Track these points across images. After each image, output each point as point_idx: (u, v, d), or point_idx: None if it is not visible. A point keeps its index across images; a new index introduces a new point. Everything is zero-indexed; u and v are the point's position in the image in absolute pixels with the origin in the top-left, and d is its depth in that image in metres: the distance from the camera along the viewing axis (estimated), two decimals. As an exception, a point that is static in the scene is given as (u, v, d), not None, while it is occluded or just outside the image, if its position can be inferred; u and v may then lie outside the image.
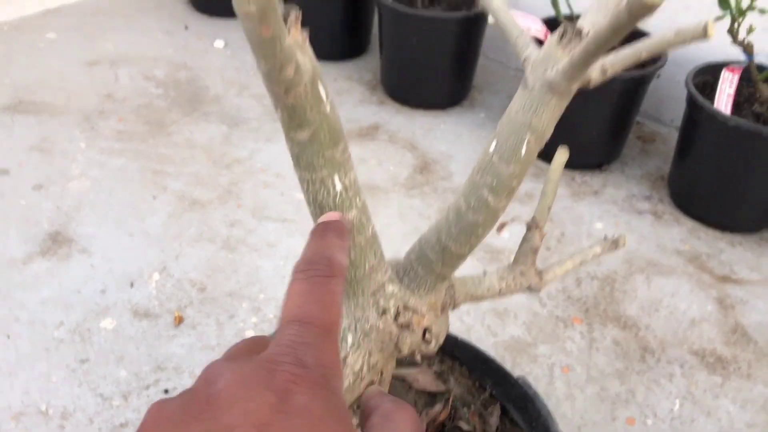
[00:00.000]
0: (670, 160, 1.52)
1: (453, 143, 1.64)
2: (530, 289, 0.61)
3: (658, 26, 1.61)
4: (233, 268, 1.27)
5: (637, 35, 1.53)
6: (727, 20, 1.25)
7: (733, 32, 1.23)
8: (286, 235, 1.34)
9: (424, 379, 0.80)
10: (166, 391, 1.04)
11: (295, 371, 0.24)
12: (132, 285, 1.23)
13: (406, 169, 1.55)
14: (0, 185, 1.41)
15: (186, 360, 1.09)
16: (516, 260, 0.62)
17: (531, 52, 0.52)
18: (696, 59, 1.58)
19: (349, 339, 0.55)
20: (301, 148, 0.52)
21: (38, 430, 0.97)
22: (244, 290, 1.22)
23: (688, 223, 1.45)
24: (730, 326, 1.22)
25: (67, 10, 2.06)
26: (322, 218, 0.37)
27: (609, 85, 1.41)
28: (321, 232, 0.34)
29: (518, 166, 0.51)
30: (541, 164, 1.57)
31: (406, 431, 0.28)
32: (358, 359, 0.54)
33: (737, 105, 1.39)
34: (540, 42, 1.51)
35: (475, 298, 0.60)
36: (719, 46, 1.44)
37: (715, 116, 1.30)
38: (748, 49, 1.25)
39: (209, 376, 0.25)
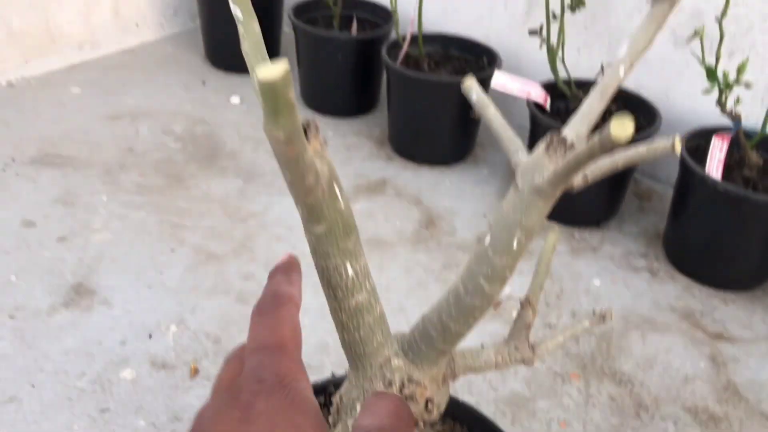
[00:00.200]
0: (666, 218, 1.59)
1: (457, 199, 1.71)
2: (524, 362, 0.67)
3: (654, 92, 1.70)
4: (246, 321, 1.32)
5: (635, 100, 1.62)
6: (716, 92, 1.33)
7: (721, 103, 1.31)
8: (297, 288, 1.41)
9: (426, 437, 0.85)
10: (182, 442, 1.10)
11: (254, 387, 0.31)
12: (150, 336, 1.29)
13: (411, 223, 1.62)
14: (26, 237, 1.49)
15: (201, 411, 1.15)
16: (511, 335, 0.68)
17: (521, 157, 0.59)
18: (689, 122, 1.65)
19: (358, 407, 0.61)
20: (318, 240, 0.59)
21: (62, 479, 1.03)
22: (256, 343, 1.28)
23: (683, 281, 1.50)
24: (722, 383, 1.28)
25: (90, 65, 2.16)
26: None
27: (606, 147, 1.48)
28: (270, 275, 0.42)
29: (510, 259, 0.58)
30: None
31: (383, 415, 0.35)
32: (366, 428, 0.60)
33: (728, 168, 1.46)
34: (540, 107, 1.60)
35: (473, 370, 0.66)
36: (712, 111, 1.52)
37: (706, 180, 1.37)
38: (736, 118, 1.33)
39: (196, 422, 0.32)
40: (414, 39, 1.79)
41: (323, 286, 0.62)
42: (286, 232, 1.55)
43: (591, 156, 0.48)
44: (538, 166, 0.57)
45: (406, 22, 1.89)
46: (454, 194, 1.73)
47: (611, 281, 1.49)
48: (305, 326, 1.33)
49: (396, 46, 1.81)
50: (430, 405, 0.62)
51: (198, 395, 1.18)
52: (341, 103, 1.99)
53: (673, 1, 0.61)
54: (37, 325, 1.30)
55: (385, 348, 0.63)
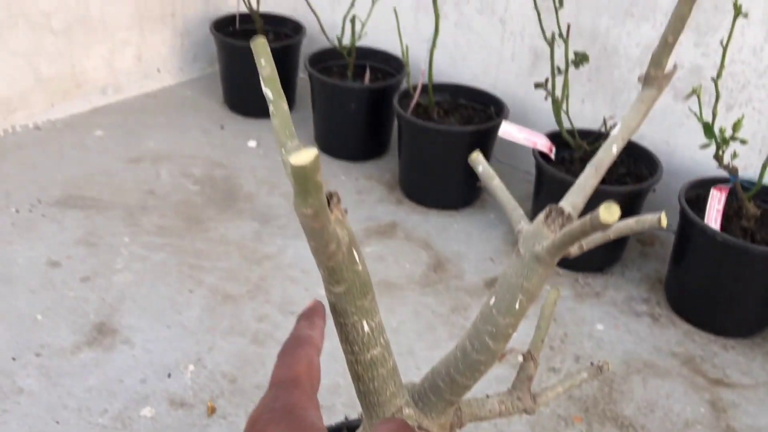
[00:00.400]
0: (667, 264, 1.64)
1: (465, 243, 1.77)
2: (526, 411, 0.72)
3: (655, 143, 1.77)
4: (261, 362, 1.38)
5: (638, 150, 1.68)
6: (714, 146, 1.39)
7: (718, 158, 1.37)
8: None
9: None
10: (199, 479, 1.14)
11: (266, 417, 0.36)
12: (169, 375, 1.34)
13: (420, 267, 1.68)
14: (51, 277, 1.55)
15: (218, 449, 1.20)
16: (514, 386, 0.73)
17: (523, 226, 0.65)
18: (690, 171, 1.71)
19: (372, 453, 0.66)
20: (337, 298, 0.65)
21: None
22: (271, 383, 1.33)
23: (684, 326, 1.55)
24: (722, 429, 1.31)
25: (113, 108, 2.25)
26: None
27: (608, 196, 1.54)
28: (297, 320, 0.49)
29: (513, 319, 0.63)
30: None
31: None
32: (380, 473, 0.66)
33: (727, 218, 1.51)
34: (545, 156, 1.67)
35: (479, 419, 0.72)
36: (711, 161, 1.57)
37: (705, 231, 1.43)
38: (732, 172, 1.39)
39: None
40: (424, 88, 1.86)
41: (341, 341, 0.68)
42: (300, 275, 1.61)
43: (583, 233, 0.54)
44: (538, 235, 0.63)
45: (417, 71, 1.97)
46: (462, 238, 1.79)
47: (614, 326, 1.54)
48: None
49: (407, 95, 1.89)
50: (438, 451, 0.67)
51: (215, 434, 1.23)
52: (354, 148, 2.06)
53: (662, 87, 0.67)
54: (61, 363, 1.35)
55: (397, 398, 0.68)
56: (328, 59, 2.10)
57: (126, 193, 1.85)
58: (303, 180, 0.53)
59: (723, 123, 1.54)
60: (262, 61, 0.64)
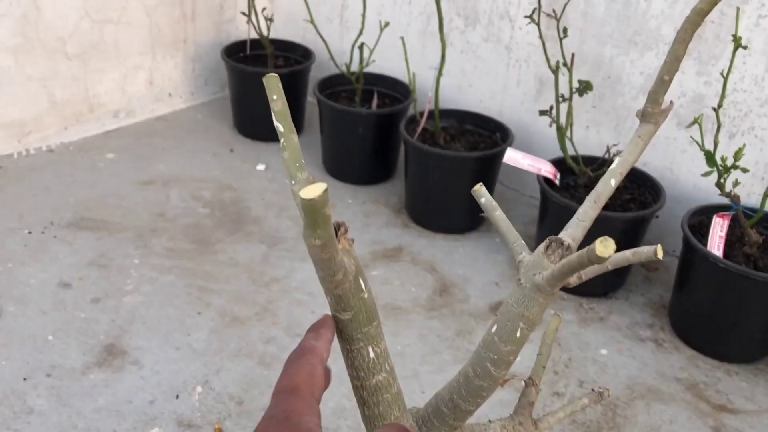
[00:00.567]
0: (671, 289, 1.65)
1: (470, 267, 1.79)
2: (526, 437, 0.73)
3: (658, 165, 1.79)
4: (268, 384, 1.40)
5: (641, 176, 1.70)
6: (716, 174, 1.41)
7: (720, 186, 1.39)
8: (317, 353, 1.48)
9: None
10: (206, 501, 1.16)
11: (265, 423, 0.39)
12: (177, 397, 1.36)
13: (426, 290, 1.70)
14: (63, 298, 1.58)
15: (225, 471, 1.21)
16: (516, 411, 0.75)
17: (524, 256, 0.68)
18: (693, 197, 1.73)
19: (377, 476, 0.68)
20: (344, 325, 0.67)
21: None
22: (277, 405, 1.35)
23: (688, 352, 1.56)
24: (724, 455, 1.32)
25: (124, 131, 2.29)
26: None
27: (612, 222, 1.57)
28: (306, 333, 0.51)
29: (514, 346, 0.65)
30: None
31: None
32: (384, 496, 0.67)
33: (730, 244, 1.53)
34: (549, 182, 1.69)
35: (481, 444, 0.73)
36: (714, 189, 1.59)
37: (708, 257, 1.44)
38: (734, 199, 1.41)
39: None
40: (431, 114, 1.89)
41: (347, 366, 0.70)
42: (307, 298, 1.63)
43: (581, 265, 0.56)
44: (538, 266, 0.65)
45: (424, 97, 2.00)
46: (468, 262, 1.81)
47: (618, 351, 1.55)
48: (326, 390, 1.40)
49: (414, 121, 1.92)
50: (441, 475, 0.69)
51: (222, 455, 1.25)
52: (361, 172, 2.09)
53: (659, 123, 0.70)
54: (71, 384, 1.38)
55: (402, 422, 0.70)
56: (337, 85, 2.14)
57: (137, 215, 1.88)
58: (312, 213, 0.55)
59: (725, 151, 1.56)
60: (274, 96, 0.67)
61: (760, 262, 1.48)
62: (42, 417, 1.30)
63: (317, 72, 2.31)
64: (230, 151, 2.21)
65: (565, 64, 1.62)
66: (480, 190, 0.73)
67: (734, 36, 1.29)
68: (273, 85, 0.67)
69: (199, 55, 2.43)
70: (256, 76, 2.14)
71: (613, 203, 1.68)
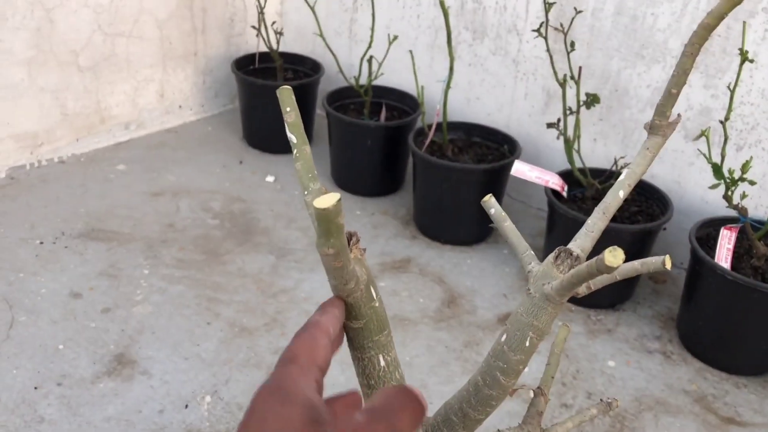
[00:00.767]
0: (679, 302, 1.65)
1: (478, 278, 1.80)
2: (535, 446, 0.74)
3: (666, 178, 1.79)
4: (277, 394, 1.40)
5: (649, 189, 1.70)
6: (723, 187, 1.42)
7: (727, 198, 1.39)
8: (325, 363, 1.48)
9: None
10: None
11: (261, 390, 0.38)
12: (186, 406, 1.37)
13: (434, 302, 1.70)
14: (73, 308, 1.59)
15: (233, 481, 1.22)
16: (524, 421, 0.76)
17: (534, 266, 0.68)
18: (700, 210, 1.74)
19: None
20: (355, 333, 0.68)
21: None
22: (286, 415, 1.35)
23: (696, 364, 1.56)
24: (733, 468, 1.32)
25: (135, 143, 2.31)
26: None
27: (620, 234, 1.57)
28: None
29: (523, 355, 0.66)
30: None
31: (392, 395, 0.38)
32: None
33: (737, 257, 1.53)
34: (557, 194, 1.70)
35: (490, 453, 0.74)
36: (721, 202, 1.60)
37: (716, 270, 1.44)
38: (742, 212, 1.41)
39: None
40: (439, 126, 1.91)
41: (358, 374, 0.71)
42: (315, 308, 1.64)
43: (590, 274, 0.57)
44: (547, 276, 0.66)
45: (432, 110, 2.02)
46: (476, 274, 1.81)
47: (626, 363, 1.55)
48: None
49: (422, 133, 1.93)
50: (451, 484, 0.69)
51: (230, 465, 1.25)
52: (369, 184, 2.10)
53: (666, 135, 0.71)
54: (81, 393, 1.38)
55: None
56: (346, 97, 2.15)
57: (147, 226, 1.89)
58: (326, 222, 0.56)
59: (733, 164, 1.57)
60: (288, 108, 0.68)
61: (767, 274, 1.49)
62: (52, 426, 1.31)
63: (326, 85, 2.33)
64: (239, 163, 2.23)
65: (572, 77, 1.63)
66: (490, 201, 0.74)
67: (741, 50, 1.30)
68: (286, 97, 0.68)
69: (210, 68, 2.46)
70: (266, 89, 2.16)
71: (621, 215, 1.68)
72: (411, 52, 1.93)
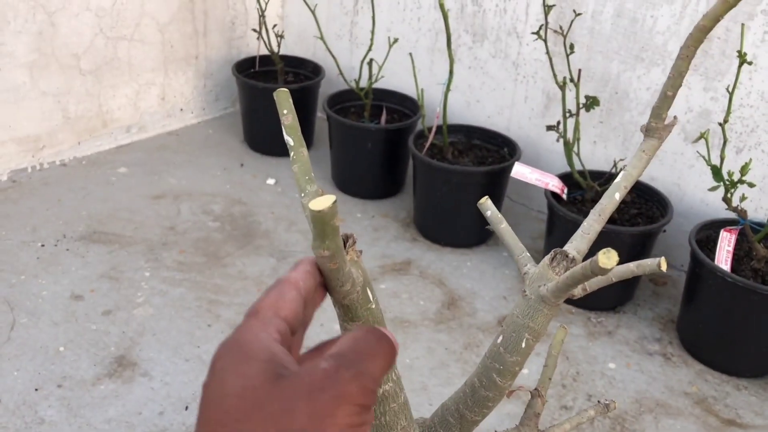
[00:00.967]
0: (679, 304, 1.65)
1: (478, 281, 1.80)
2: (532, 448, 0.74)
3: (665, 181, 1.79)
4: (277, 396, 1.41)
5: (648, 191, 1.71)
6: (722, 189, 1.42)
7: (727, 200, 1.39)
8: (325, 365, 1.49)
9: None
10: None
11: (220, 347, 0.35)
12: (187, 408, 1.37)
13: (434, 304, 1.71)
14: (74, 310, 1.60)
15: (233, 483, 1.22)
16: (522, 423, 0.76)
17: (530, 268, 0.69)
18: (700, 212, 1.74)
19: (384, 486, 0.69)
20: (353, 335, 0.69)
21: None
22: (286, 418, 1.36)
23: (696, 366, 1.56)
24: (733, 470, 1.31)
25: (136, 146, 2.32)
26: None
27: (620, 237, 1.57)
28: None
29: (519, 357, 0.66)
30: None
31: (360, 337, 0.36)
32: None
33: (738, 259, 1.53)
34: (557, 196, 1.70)
35: (487, 454, 0.74)
36: (721, 204, 1.60)
37: (716, 272, 1.45)
38: (741, 214, 1.41)
39: None
40: (439, 129, 1.91)
41: (356, 375, 0.71)
42: (316, 312, 1.64)
43: (585, 276, 0.58)
44: (543, 277, 0.66)
45: (432, 112, 2.02)
46: (476, 276, 1.82)
47: (626, 365, 1.55)
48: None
49: (422, 136, 1.93)
50: (448, 485, 0.70)
51: (230, 467, 1.25)
52: (370, 187, 2.11)
53: (662, 138, 0.71)
54: (82, 395, 1.39)
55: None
56: (346, 100, 2.16)
57: (148, 229, 1.90)
58: (321, 224, 0.57)
59: (732, 166, 1.57)
60: (285, 111, 0.68)
61: (767, 276, 1.49)
62: (53, 427, 1.32)
63: (327, 88, 2.33)
64: (240, 166, 2.24)
65: (572, 80, 1.63)
66: (486, 203, 0.74)
67: (739, 52, 1.31)
68: (283, 99, 0.69)
69: (211, 71, 2.47)
70: (267, 92, 2.17)
71: (620, 218, 1.68)
72: (411, 55, 1.93)
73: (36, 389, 1.39)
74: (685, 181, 1.78)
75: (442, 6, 1.67)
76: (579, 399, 1.45)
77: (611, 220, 1.65)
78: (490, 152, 1.97)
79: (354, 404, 0.31)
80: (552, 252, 0.66)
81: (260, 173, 2.20)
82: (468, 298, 1.74)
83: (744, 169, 1.33)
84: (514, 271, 1.85)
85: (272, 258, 1.82)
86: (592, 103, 1.60)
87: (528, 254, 0.70)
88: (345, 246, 0.66)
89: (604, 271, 0.53)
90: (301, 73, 2.39)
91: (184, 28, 2.33)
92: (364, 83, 2.09)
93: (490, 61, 2.05)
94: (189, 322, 1.59)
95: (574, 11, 1.64)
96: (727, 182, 1.37)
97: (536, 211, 2.09)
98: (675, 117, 0.74)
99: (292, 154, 0.68)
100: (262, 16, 2.25)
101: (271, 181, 2.16)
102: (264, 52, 2.35)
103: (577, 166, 1.72)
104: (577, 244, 0.69)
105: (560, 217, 1.65)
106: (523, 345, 0.66)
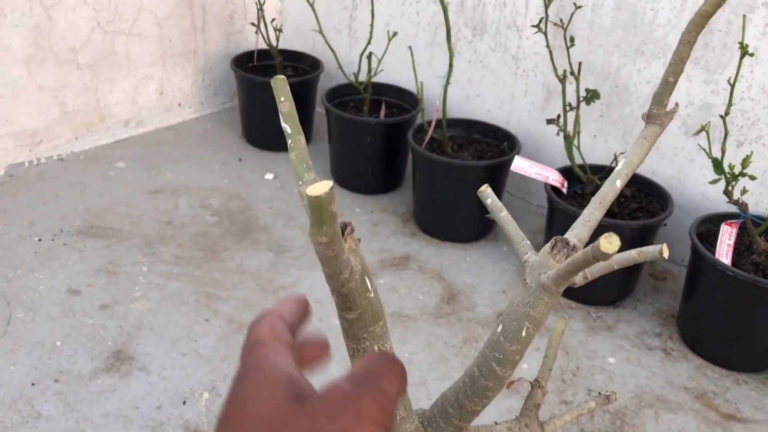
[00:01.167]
0: (680, 298, 1.64)
1: (477, 275, 1.79)
2: (532, 439, 0.73)
3: (666, 174, 1.78)
4: (275, 390, 1.40)
5: (649, 185, 1.70)
6: (723, 182, 1.41)
7: (728, 193, 1.38)
8: (324, 360, 1.48)
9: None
10: (212, 506, 1.16)
11: (240, 374, 0.37)
12: (184, 403, 1.37)
13: (433, 298, 1.70)
14: (71, 304, 1.59)
15: (231, 477, 1.21)
16: (522, 414, 0.75)
17: (530, 256, 0.68)
18: (701, 206, 1.73)
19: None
20: (350, 324, 0.68)
21: None
22: (284, 412, 1.35)
23: (696, 361, 1.55)
24: (734, 464, 1.31)
25: (134, 140, 2.31)
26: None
27: (620, 230, 1.57)
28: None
29: (519, 346, 0.65)
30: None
31: (374, 362, 0.37)
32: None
33: (738, 253, 1.52)
34: (557, 190, 1.69)
35: (487, 445, 0.73)
36: (722, 198, 1.59)
37: (716, 266, 1.44)
38: (742, 207, 1.40)
39: None
40: (439, 123, 1.90)
41: (353, 365, 0.70)
42: (314, 306, 1.64)
43: (586, 262, 0.57)
44: (544, 265, 0.65)
45: (431, 106, 2.01)
46: (475, 271, 1.81)
47: (626, 360, 1.54)
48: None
49: (421, 130, 1.92)
50: (447, 476, 0.69)
51: (228, 461, 1.24)
52: (369, 181, 2.10)
53: (664, 125, 0.70)
54: (79, 389, 1.38)
55: (407, 423, 0.70)
56: (345, 94, 2.15)
57: (145, 223, 1.89)
58: (318, 210, 0.56)
59: (733, 159, 1.56)
60: (282, 98, 0.67)
61: (768, 270, 1.48)
62: (49, 422, 1.31)
63: (326, 82, 2.32)
64: (239, 161, 2.23)
65: (572, 73, 1.63)
66: (486, 191, 0.73)
67: (741, 43, 1.30)
68: (280, 86, 0.68)
69: (209, 65, 2.46)
70: (265, 86, 2.16)
71: (621, 211, 1.67)
72: (410, 48, 1.92)
73: (33, 384, 1.38)
74: (686, 175, 1.77)
75: (441, -1, 1.66)
76: (579, 394, 1.44)
77: (612, 214, 1.64)
78: (489, 146, 1.96)
79: (374, 424, 0.33)
80: (553, 240, 0.65)
81: (259, 168, 2.19)
82: (467, 292, 1.73)
83: (745, 162, 1.32)
84: (513, 265, 1.84)
85: (270, 252, 1.81)
86: (592, 96, 1.59)
87: (528, 242, 0.69)
88: (343, 234, 0.65)
89: (605, 256, 0.52)
90: (300, 67, 2.38)
91: (183, 23, 2.32)
92: (363, 77, 2.08)
93: (490, 54, 2.04)
94: (186, 316, 1.58)
95: (575, 4, 1.63)
96: (728, 175, 1.36)
97: (536, 205, 2.08)
98: (676, 104, 0.73)
99: (289, 141, 0.67)
100: (260, 10, 2.24)
101: (269, 176, 2.15)
102: (262, 46, 2.34)
103: (578, 160, 1.71)
104: (578, 231, 0.68)
105: (560, 211, 1.64)
106: (524, 334, 0.65)
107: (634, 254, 0.64)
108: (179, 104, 2.42)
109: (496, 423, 0.75)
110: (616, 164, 1.72)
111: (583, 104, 1.65)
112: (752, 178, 1.35)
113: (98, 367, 1.43)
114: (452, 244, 1.90)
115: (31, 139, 2.10)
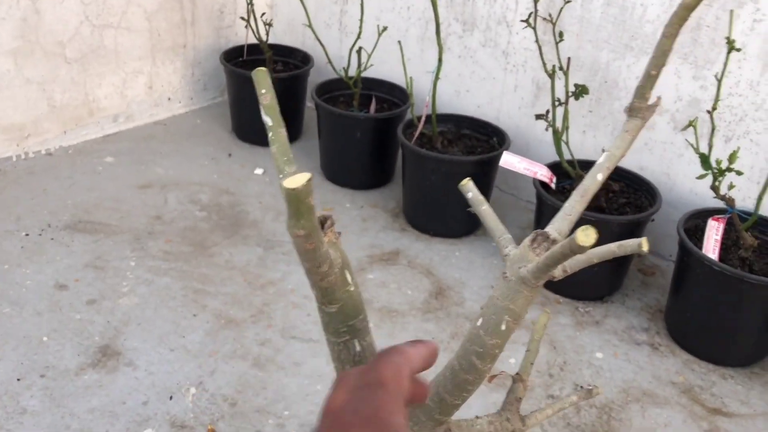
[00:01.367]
0: (667, 293, 1.65)
1: (466, 270, 1.79)
2: (514, 432, 0.73)
3: (654, 170, 1.79)
4: (262, 385, 1.40)
5: (637, 180, 1.70)
6: (711, 178, 1.41)
7: (715, 188, 1.39)
8: (311, 355, 1.48)
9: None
10: (198, 501, 1.15)
11: (351, 418, 0.37)
12: (171, 398, 1.36)
13: (422, 293, 1.70)
14: (59, 299, 1.58)
15: (217, 472, 1.21)
16: (503, 407, 0.75)
17: (510, 250, 0.68)
18: (689, 201, 1.73)
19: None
20: (330, 318, 0.68)
21: None
22: (270, 407, 1.35)
23: (683, 356, 1.56)
24: (720, 458, 1.31)
25: (123, 135, 2.30)
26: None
27: (608, 226, 1.57)
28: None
29: (499, 339, 0.65)
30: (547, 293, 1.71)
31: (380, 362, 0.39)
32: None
33: (725, 248, 1.52)
34: (545, 185, 1.69)
35: (468, 439, 0.73)
36: (709, 193, 1.59)
37: (703, 261, 1.44)
38: (729, 203, 1.41)
39: None
40: (428, 118, 1.90)
41: (333, 359, 0.70)
42: (302, 301, 1.63)
43: (564, 255, 0.57)
44: (524, 259, 0.65)
45: (421, 102, 2.01)
46: (464, 266, 1.81)
47: (613, 355, 1.54)
48: (319, 392, 1.39)
49: (411, 125, 1.92)
50: (427, 470, 0.69)
51: (214, 456, 1.24)
52: (359, 177, 2.09)
53: (646, 118, 0.70)
54: (65, 385, 1.37)
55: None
56: (335, 89, 2.14)
57: (134, 218, 1.88)
58: (296, 202, 0.55)
59: (721, 155, 1.56)
60: (263, 90, 0.67)
61: (755, 265, 1.48)
62: (35, 417, 1.30)
63: (316, 77, 2.32)
64: (228, 156, 2.22)
65: (561, 68, 1.62)
66: (467, 184, 0.73)
67: (728, 38, 1.30)
68: (261, 78, 0.67)
69: (199, 60, 2.45)
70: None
71: (609, 207, 1.68)
72: (400, 42, 1.92)
73: (18, 379, 1.38)
74: (675, 170, 1.77)
75: (430, -7, 1.66)
76: (566, 388, 1.44)
77: (599, 209, 1.64)
78: (479, 142, 1.96)
79: None
80: (533, 233, 0.65)
81: (248, 163, 2.18)
82: (456, 287, 1.73)
83: (732, 158, 1.33)
84: (502, 261, 1.84)
85: (259, 248, 1.81)
86: (581, 91, 1.59)
87: (509, 236, 0.69)
88: (323, 227, 0.65)
89: (582, 249, 0.52)
90: (290, 62, 2.37)
91: (172, 17, 2.31)
92: (353, 72, 2.08)
93: (480, 50, 2.04)
94: (174, 311, 1.58)
95: (564, -1, 1.63)
96: (716, 170, 1.37)
97: (525, 201, 2.08)
98: (659, 98, 0.73)
99: (270, 134, 0.67)
100: (250, 4, 2.23)
101: (259, 171, 2.15)
102: (252, 40, 2.33)
103: (566, 155, 1.71)
104: (558, 225, 0.68)
105: (549, 207, 1.64)
106: (503, 327, 0.65)
107: (613, 248, 0.64)
108: (168, 99, 2.41)
109: (477, 417, 0.75)
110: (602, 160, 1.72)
111: (572, 99, 1.65)
112: (739, 173, 1.36)
113: (85, 362, 1.43)
114: (441, 239, 1.90)
115: (18, 133, 2.09)
